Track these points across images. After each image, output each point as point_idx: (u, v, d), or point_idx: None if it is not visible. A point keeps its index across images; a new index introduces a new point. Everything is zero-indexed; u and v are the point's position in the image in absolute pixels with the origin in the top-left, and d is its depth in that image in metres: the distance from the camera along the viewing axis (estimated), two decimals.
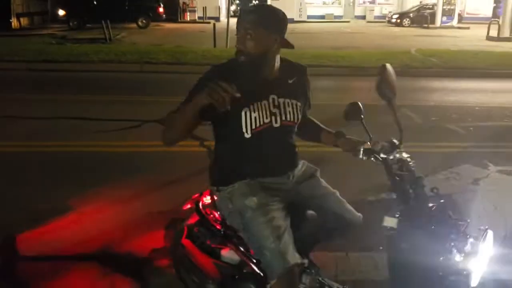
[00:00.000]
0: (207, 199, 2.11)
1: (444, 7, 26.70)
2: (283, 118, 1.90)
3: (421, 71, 10.48)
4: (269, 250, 1.75)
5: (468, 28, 25.04)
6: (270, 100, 1.88)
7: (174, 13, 28.58)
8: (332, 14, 32.95)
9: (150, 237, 3.19)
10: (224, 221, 2.01)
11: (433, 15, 26.46)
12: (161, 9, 24.39)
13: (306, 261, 1.94)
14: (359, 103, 2.10)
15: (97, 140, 5.27)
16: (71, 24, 21.57)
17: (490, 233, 1.68)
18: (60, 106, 6.87)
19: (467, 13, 31.61)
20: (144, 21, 23.23)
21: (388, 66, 1.90)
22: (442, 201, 1.75)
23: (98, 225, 3.34)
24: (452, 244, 1.64)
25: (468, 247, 1.63)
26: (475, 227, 1.75)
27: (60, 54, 11.47)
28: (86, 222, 3.39)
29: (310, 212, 2.05)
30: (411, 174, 1.79)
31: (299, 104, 1.96)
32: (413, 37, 19.18)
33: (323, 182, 2.09)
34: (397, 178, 1.77)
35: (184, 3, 28.73)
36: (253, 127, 1.85)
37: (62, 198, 3.74)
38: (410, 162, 1.83)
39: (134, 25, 22.81)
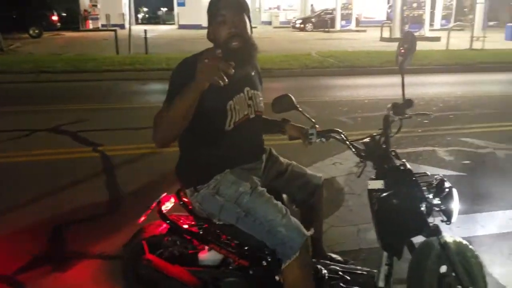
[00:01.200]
0: (167, 206, 2.02)
1: (342, 11, 28.37)
2: (256, 109, 1.97)
3: (319, 71, 11.07)
4: (283, 226, 1.75)
5: (365, 31, 26.87)
6: (245, 92, 1.93)
7: (75, 21, 27.36)
8: None
9: (30, 245, 3.07)
10: (205, 221, 1.93)
11: (333, 20, 28.00)
12: (54, 17, 22.97)
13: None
14: (289, 94, 2.19)
15: None
16: None
17: (445, 179, 1.88)
18: None
19: (364, 17, 33.86)
20: (36, 30, 21.61)
21: (414, 34, 1.99)
22: (404, 160, 1.93)
23: None
24: (427, 190, 1.86)
25: (440, 191, 1.84)
26: None
27: None
28: None
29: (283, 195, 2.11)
30: (374, 140, 2.00)
31: (261, 94, 2.04)
32: (315, 41, 20.15)
33: (280, 158, 2.19)
34: (365, 147, 1.98)
35: (85, 10, 27.57)
36: (236, 119, 1.87)
37: None
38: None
39: (29, 35, 21.27)
